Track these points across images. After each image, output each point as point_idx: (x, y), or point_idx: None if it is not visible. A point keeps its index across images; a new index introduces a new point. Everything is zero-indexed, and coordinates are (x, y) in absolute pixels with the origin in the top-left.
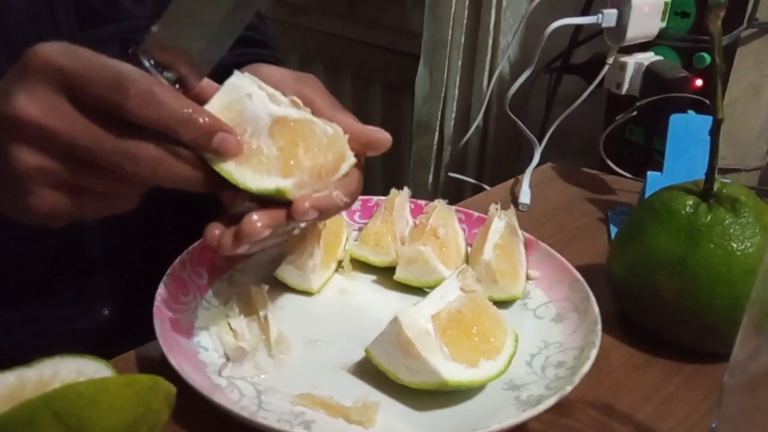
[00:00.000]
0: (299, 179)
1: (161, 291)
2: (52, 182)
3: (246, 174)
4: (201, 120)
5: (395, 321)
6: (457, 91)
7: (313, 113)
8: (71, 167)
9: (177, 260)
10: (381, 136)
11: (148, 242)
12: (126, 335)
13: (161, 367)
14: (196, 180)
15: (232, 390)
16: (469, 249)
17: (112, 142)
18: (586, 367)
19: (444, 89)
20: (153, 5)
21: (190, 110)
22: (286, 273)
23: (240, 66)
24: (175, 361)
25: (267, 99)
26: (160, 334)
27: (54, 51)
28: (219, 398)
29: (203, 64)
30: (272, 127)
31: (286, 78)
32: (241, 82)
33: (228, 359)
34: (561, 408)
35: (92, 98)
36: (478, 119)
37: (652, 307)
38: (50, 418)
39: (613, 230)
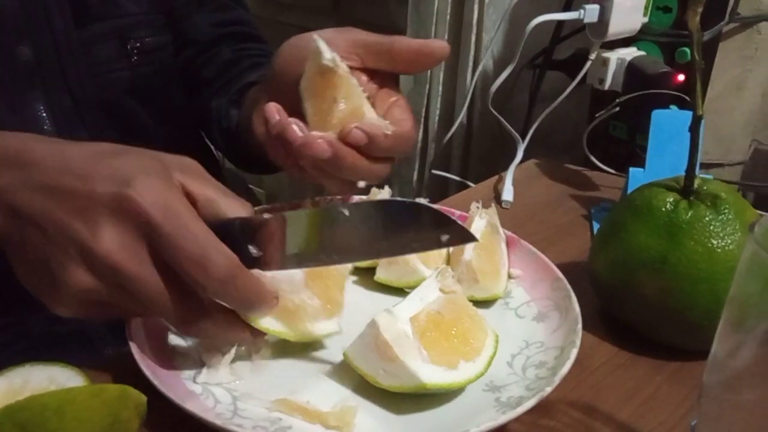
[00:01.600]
0: None
1: None
2: (88, 299)
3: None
4: (270, 302)
5: (373, 323)
6: (441, 88)
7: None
8: (116, 293)
9: None
10: (436, 46)
11: None
12: (113, 339)
13: (136, 373)
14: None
15: (207, 396)
16: (451, 248)
17: (174, 304)
18: (566, 368)
19: (428, 86)
20: (148, 2)
21: (259, 297)
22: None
23: (239, 61)
24: (147, 367)
25: None
26: (134, 339)
27: (150, 202)
28: (192, 405)
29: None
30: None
31: (331, 37)
32: None
33: (204, 364)
34: (542, 409)
35: (172, 261)
36: (461, 116)
37: (633, 306)
38: (15, 431)
39: (596, 227)
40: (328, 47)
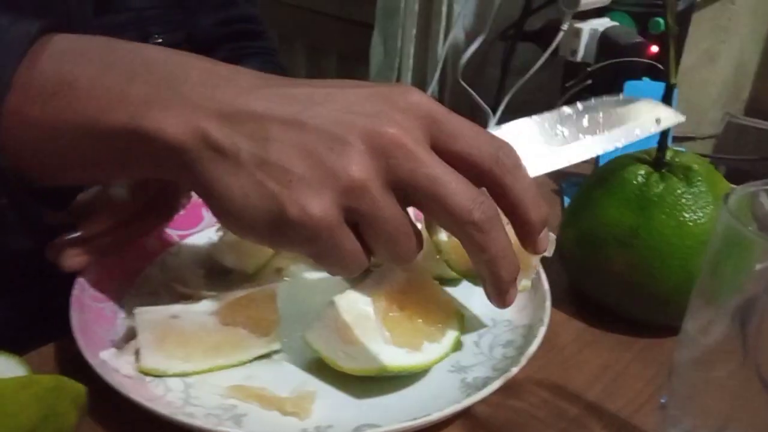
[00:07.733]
0: None
1: (81, 277)
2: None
3: None
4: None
5: (332, 305)
6: (411, 61)
7: None
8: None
9: None
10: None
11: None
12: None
13: (83, 360)
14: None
15: (157, 384)
16: (421, 226)
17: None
18: (533, 347)
19: (398, 59)
20: None
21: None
22: (220, 254)
23: (239, 59)
24: (92, 355)
25: None
26: (78, 326)
27: (428, 99)
28: (139, 394)
29: None
30: None
31: None
32: None
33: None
34: (509, 389)
35: (457, 149)
36: (431, 88)
37: (603, 281)
38: None
39: (567, 201)
40: None
